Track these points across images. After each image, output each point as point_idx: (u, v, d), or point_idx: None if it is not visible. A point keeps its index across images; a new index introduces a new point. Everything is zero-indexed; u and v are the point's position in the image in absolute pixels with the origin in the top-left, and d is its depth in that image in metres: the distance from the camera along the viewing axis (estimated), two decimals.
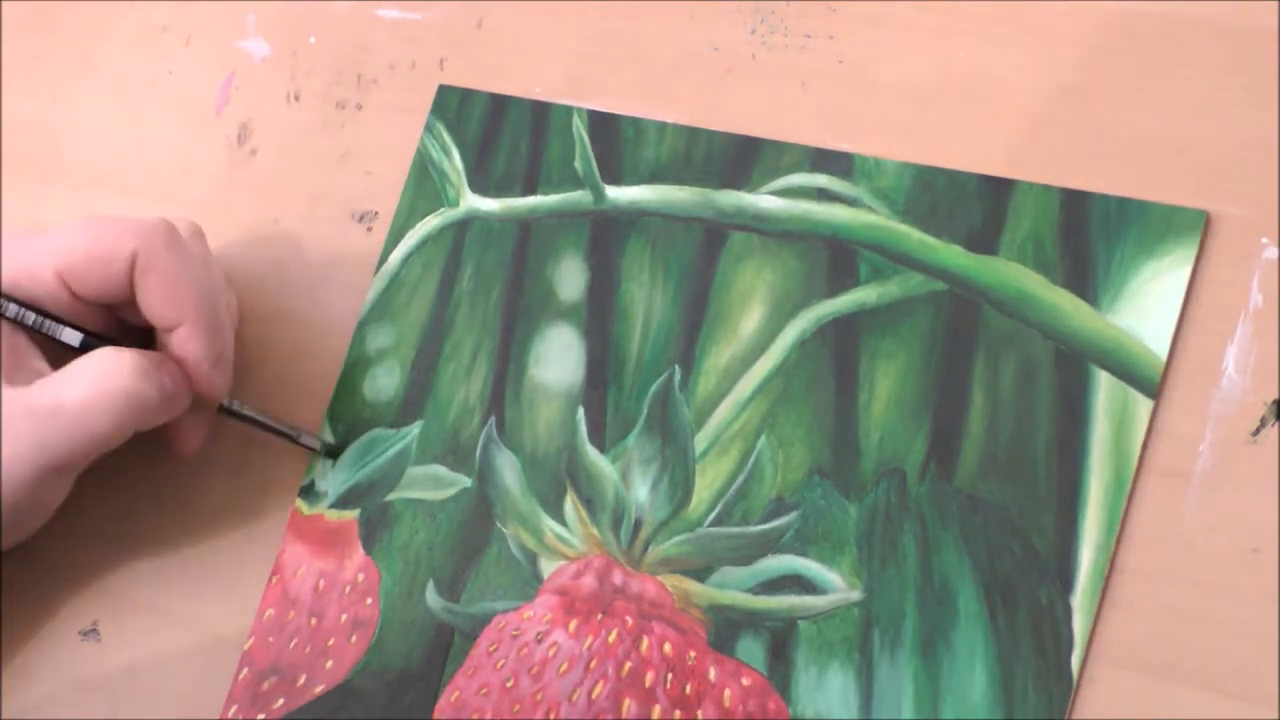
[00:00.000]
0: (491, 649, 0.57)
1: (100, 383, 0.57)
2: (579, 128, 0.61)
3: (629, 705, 0.55)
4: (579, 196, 0.61)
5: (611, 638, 0.56)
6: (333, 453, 0.62)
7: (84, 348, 0.59)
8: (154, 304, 0.59)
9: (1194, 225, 0.51)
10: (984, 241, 0.54)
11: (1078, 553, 0.50)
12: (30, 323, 0.59)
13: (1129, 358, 0.51)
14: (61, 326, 0.59)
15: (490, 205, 0.62)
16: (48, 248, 0.59)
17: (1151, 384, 0.51)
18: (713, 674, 0.54)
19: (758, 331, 0.56)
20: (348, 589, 0.60)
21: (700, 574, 0.55)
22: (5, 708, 0.63)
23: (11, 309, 0.59)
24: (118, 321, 0.62)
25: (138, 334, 0.62)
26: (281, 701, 0.60)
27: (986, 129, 0.55)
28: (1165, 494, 0.50)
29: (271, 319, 0.65)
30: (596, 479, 0.57)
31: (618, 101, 0.61)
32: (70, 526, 0.65)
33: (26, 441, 0.57)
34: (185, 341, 0.59)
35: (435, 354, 0.61)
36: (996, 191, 0.54)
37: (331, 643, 0.60)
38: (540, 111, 0.62)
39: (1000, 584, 0.51)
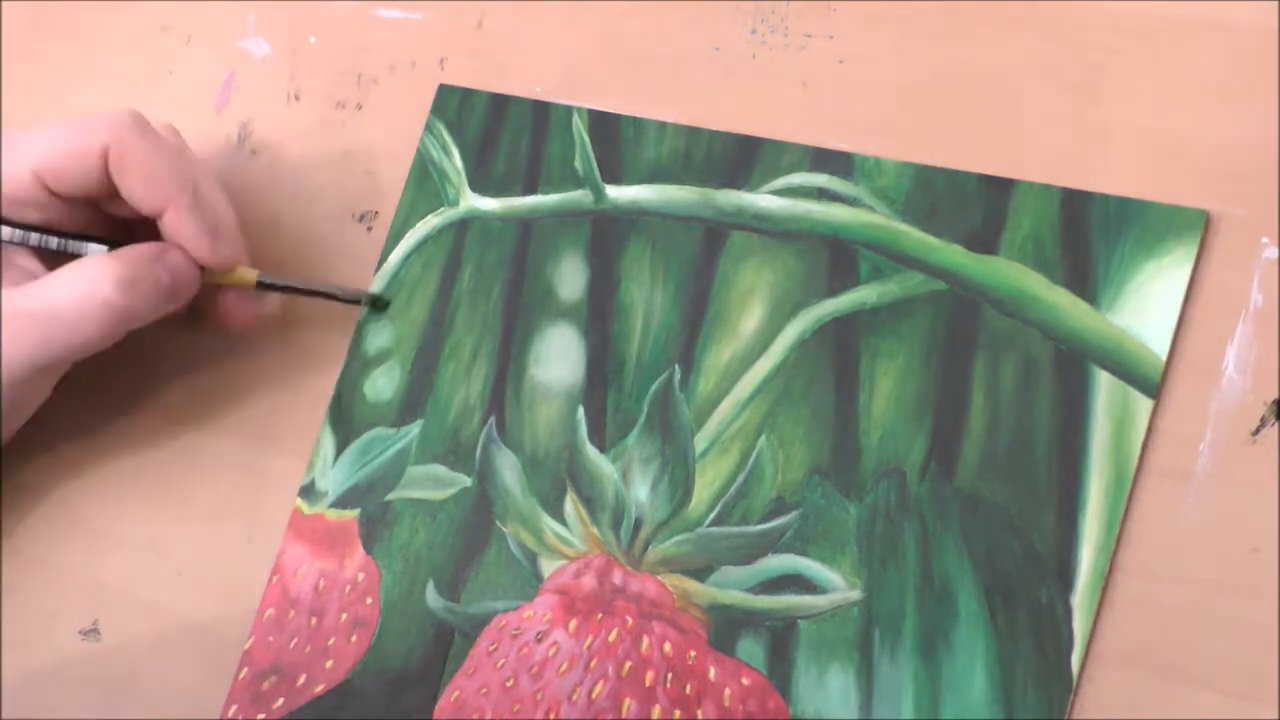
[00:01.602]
0: (491, 648, 0.57)
1: (85, 291, 0.59)
2: (579, 127, 0.61)
3: (629, 705, 0.55)
4: (579, 196, 0.61)
5: (611, 637, 0.56)
6: (378, 304, 0.62)
7: (67, 251, 0.61)
8: (135, 192, 0.60)
9: (1194, 225, 0.51)
10: (984, 241, 0.54)
11: (1078, 552, 0.50)
12: (55, 246, 0.61)
13: (1129, 357, 0.51)
14: (85, 242, 0.61)
15: (490, 205, 0.62)
16: (22, 150, 0.60)
17: (1151, 384, 0.51)
18: (713, 673, 0.54)
19: (758, 331, 0.56)
20: (348, 588, 0.60)
21: (700, 574, 0.55)
22: (5, 708, 0.63)
23: (35, 237, 0.60)
24: (102, 216, 0.63)
25: (130, 226, 0.63)
26: (281, 701, 0.60)
27: (986, 129, 0.55)
28: (1165, 494, 0.50)
29: (271, 319, 0.65)
30: (596, 479, 0.57)
31: (618, 101, 0.61)
32: (70, 525, 0.65)
33: (25, 343, 0.59)
34: (176, 223, 0.60)
35: (435, 354, 0.61)
36: (996, 191, 0.54)
37: (331, 642, 0.60)
38: (540, 111, 0.62)
39: (1000, 584, 0.51)
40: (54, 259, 0.61)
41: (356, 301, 0.63)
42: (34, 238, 0.61)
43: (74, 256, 0.61)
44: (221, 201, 0.62)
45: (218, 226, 0.61)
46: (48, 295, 0.59)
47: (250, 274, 0.62)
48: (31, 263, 0.61)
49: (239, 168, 0.68)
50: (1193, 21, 0.53)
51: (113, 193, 0.61)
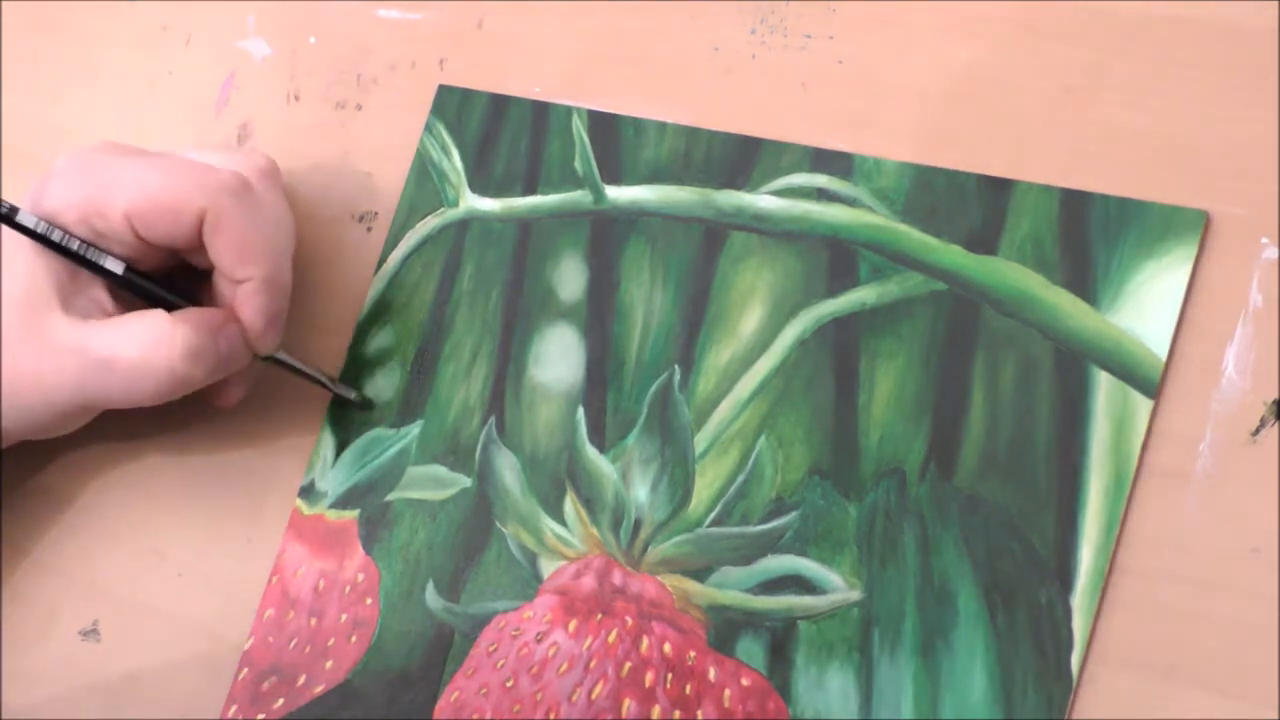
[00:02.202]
0: (491, 649, 0.57)
1: (152, 353, 0.58)
2: (579, 128, 0.61)
3: (629, 705, 0.55)
4: (579, 196, 0.61)
5: (611, 638, 0.56)
6: (367, 405, 0.62)
7: (127, 282, 0.60)
8: (223, 260, 0.59)
9: (1194, 225, 0.51)
10: (984, 241, 0.54)
11: (1078, 553, 0.50)
12: (75, 248, 0.59)
13: (1129, 358, 0.51)
14: (105, 255, 0.60)
15: (490, 205, 0.62)
16: (122, 185, 0.59)
17: (1151, 384, 0.51)
18: (712, 674, 0.54)
19: (757, 331, 0.56)
20: (348, 589, 0.60)
21: (700, 574, 0.55)
22: (5, 708, 0.63)
23: (58, 234, 0.59)
24: (182, 261, 0.62)
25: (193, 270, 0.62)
26: (281, 701, 0.60)
27: (986, 129, 0.55)
28: (1165, 494, 0.50)
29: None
30: (596, 479, 0.57)
31: (618, 101, 0.61)
32: (70, 525, 0.65)
33: (73, 378, 0.59)
34: (249, 297, 0.60)
35: (435, 354, 0.61)
36: (996, 191, 0.54)
37: (331, 643, 0.60)
38: (540, 111, 0.62)
39: (1000, 584, 0.51)
40: (123, 294, 0.60)
41: (349, 399, 0.62)
42: (110, 260, 0.60)
43: (137, 290, 0.60)
44: (287, 283, 0.61)
45: (279, 313, 0.60)
46: (116, 343, 0.58)
47: None
48: (101, 294, 0.60)
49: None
50: (1193, 21, 0.53)
51: (198, 248, 0.60)
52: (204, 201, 0.59)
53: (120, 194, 0.59)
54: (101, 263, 0.59)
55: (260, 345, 0.60)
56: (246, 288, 0.59)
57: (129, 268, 0.60)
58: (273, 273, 0.60)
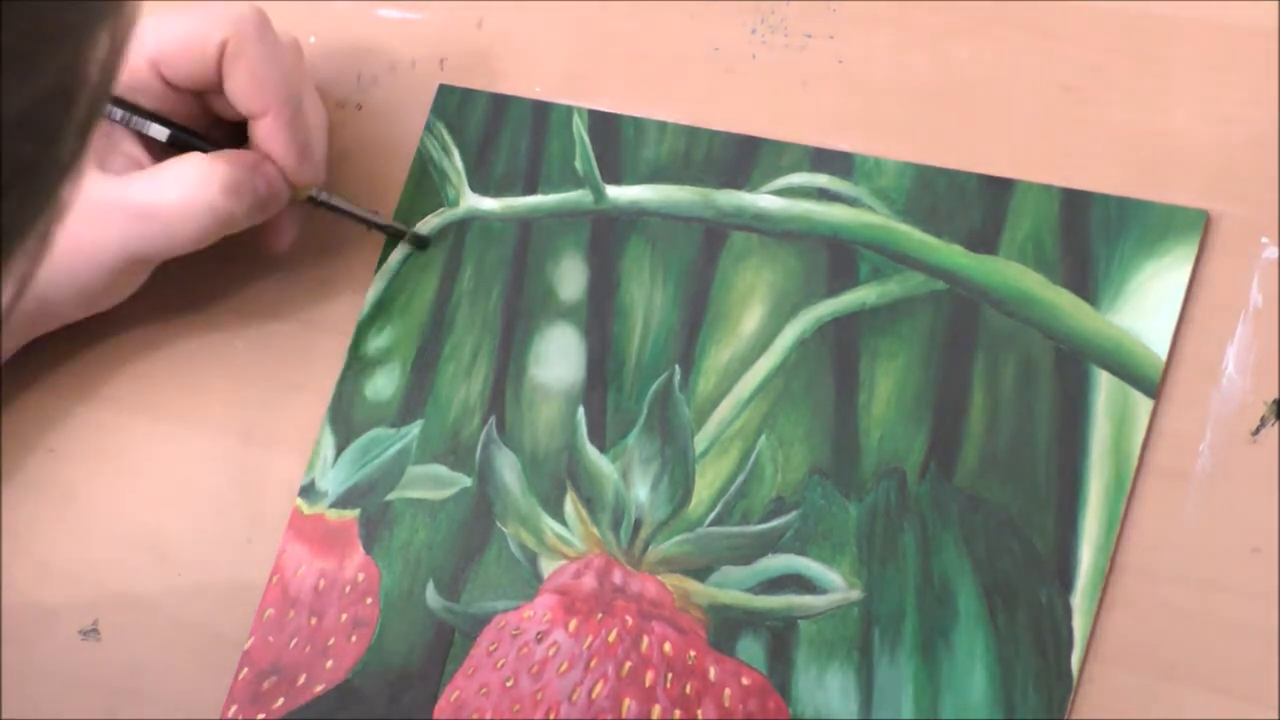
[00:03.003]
0: (491, 648, 0.57)
1: (191, 193, 0.59)
2: (579, 127, 0.61)
3: (629, 705, 0.55)
4: (579, 196, 0.61)
5: (611, 637, 0.56)
6: (419, 242, 0.62)
7: (171, 143, 0.61)
8: (240, 91, 0.60)
9: (1194, 225, 0.51)
10: (984, 241, 0.54)
11: (1078, 552, 0.50)
12: (117, 118, 0.60)
13: (1129, 357, 0.51)
14: (148, 122, 0.60)
15: (490, 205, 0.62)
16: (142, 36, 0.59)
17: (1151, 384, 0.51)
18: (713, 673, 0.54)
19: (758, 331, 0.56)
20: (348, 589, 0.60)
21: (700, 573, 0.55)
22: (5, 708, 0.63)
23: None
24: (207, 111, 0.63)
25: (228, 126, 0.63)
26: (281, 701, 0.60)
27: (986, 129, 0.55)
28: (1165, 494, 0.50)
29: (272, 319, 0.65)
30: (596, 479, 0.57)
31: (618, 101, 0.61)
32: (71, 525, 0.65)
33: (116, 233, 0.59)
34: (270, 131, 0.60)
35: (435, 354, 0.61)
36: (996, 191, 0.54)
37: (331, 642, 0.60)
38: (540, 111, 0.62)
39: (1000, 584, 0.51)
40: (158, 146, 0.61)
41: (400, 235, 0.63)
42: (154, 128, 0.60)
43: (174, 148, 0.61)
44: (317, 120, 0.62)
45: (308, 145, 0.61)
46: (154, 189, 0.59)
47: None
48: (136, 149, 0.61)
49: None
50: (1193, 21, 0.53)
51: (220, 87, 0.61)
52: (226, 31, 0.59)
53: (143, 42, 0.59)
54: (145, 130, 0.60)
55: (297, 178, 0.61)
56: (267, 122, 0.60)
57: (171, 126, 0.61)
58: (291, 105, 0.60)
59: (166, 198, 0.59)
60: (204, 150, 0.61)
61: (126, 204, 0.59)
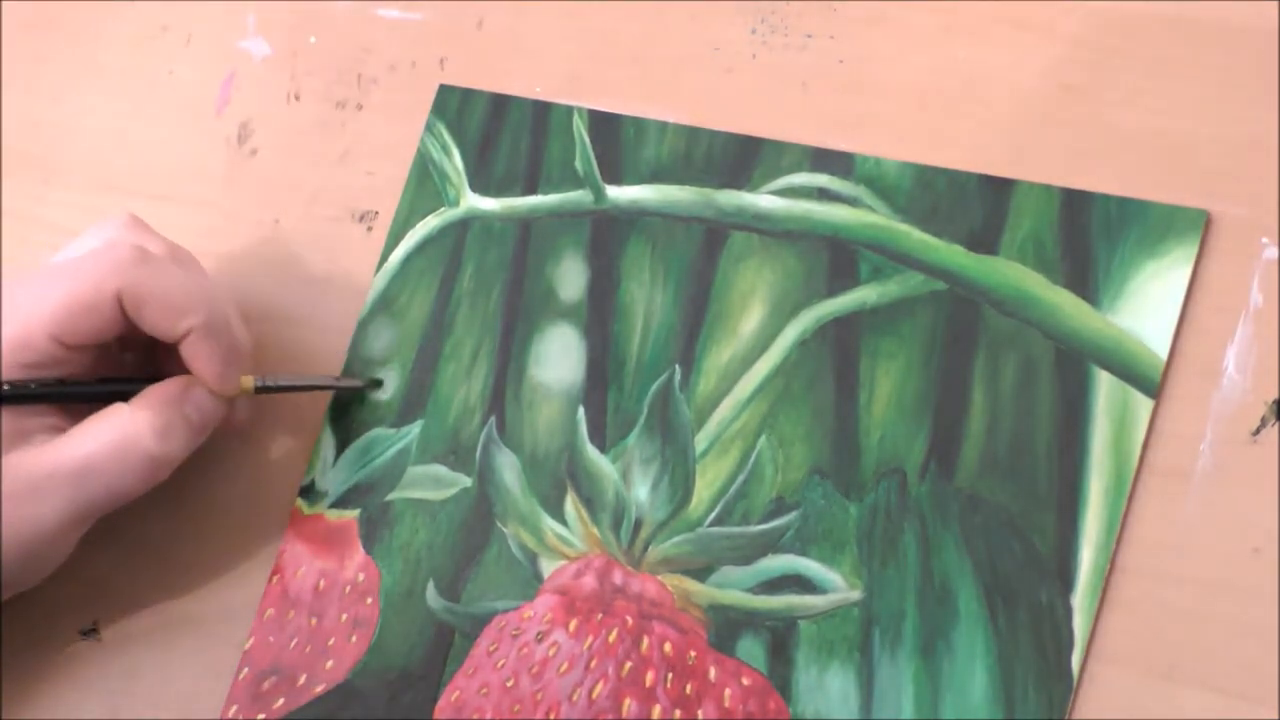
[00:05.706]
0: (492, 649, 0.57)
1: (123, 446, 0.57)
2: (579, 128, 0.61)
3: (629, 705, 0.55)
4: (579, 196, 0.61)
5: (612, 637, 0.56)
6: (377, 385, 0.62)
7: (61, 396, 0.59)
8: (157, 326, 0.58)
9: (1194, 225, 0.51)
10: (984, 241, 0.54)
11: (1078, 552, 0.50)
12: (32, 390, 0.58)
13: (1129, 357, 0.51)
14: (60, 388, 0.59)
15: (490, 205, 0.62)
16: (32, 310, 0.58)
17: (1152, 384, 0.51)
18: (713, 674, 0.54)
19: (758, 331, 0.56)
20: (348, 589, 0.60)
21: (700, 574, 0.55)
22: (5, 708, 0.63)
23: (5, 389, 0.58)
24: (117, 352, 0.61)
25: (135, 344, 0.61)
26: (281, 701, 0.60)
27: (986, 129, 0.55)
28: (1165, 494, 0.50)
29: (272, 319, 0.65)
30: (597, 479, 0.57)
31: (618, 101, 0.61)
32: None
33: (60, 500, 0.57)
34: (195, 349, 0.58)
35: (435, 354, 0.61)
36: (997, 191, 0.54)
37: (332, 642, 0.60)
38: (540, 111, 0.62)
39: (1000, 584, 0.51)
40: (75, 409, 0.59)
41: (359, 387, 0.62)
42: (47, 394, 0.58)
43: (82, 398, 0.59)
44: (235, 317, 0.60)
45: (232, 350, 0.59)
46: (81, 450, 0.57)
47: (248, 381, 0.60)
48: (51, 417, 0.59)
49: (239, 168, 0.68)
50: (1193, 21, 0.53)
51: (130, 329, 0.59)
52: (116, 282, 0.57)
53: (36, 318, 0.58)
54: (61, 400, 0.59)
55: (220, 389, 0.59)
56: (190, 341, 0.58)
57: (78, 387, 0.59)
58: (209, 316, 0.58)
59: (97, 454, 0.57)
60: (109, 390, 0.59)
61: (61, 469, 0.57)
